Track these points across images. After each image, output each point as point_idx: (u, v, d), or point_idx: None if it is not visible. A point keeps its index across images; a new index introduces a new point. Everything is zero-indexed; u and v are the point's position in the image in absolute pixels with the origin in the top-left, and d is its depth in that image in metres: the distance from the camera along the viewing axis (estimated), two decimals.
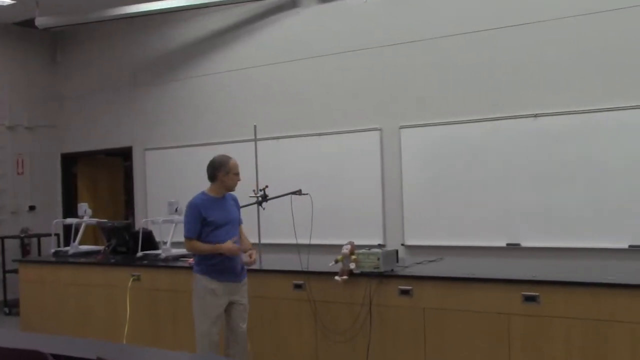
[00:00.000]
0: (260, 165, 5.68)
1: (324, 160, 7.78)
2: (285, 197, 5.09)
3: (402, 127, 7.29)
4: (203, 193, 4.59)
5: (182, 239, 4.50)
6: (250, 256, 4.56)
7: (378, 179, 7.45)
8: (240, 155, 7.87)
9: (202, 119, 8.88)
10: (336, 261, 4.65)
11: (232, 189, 4.58)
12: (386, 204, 7.46)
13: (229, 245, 4.44)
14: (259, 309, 4.98)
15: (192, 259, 5.44)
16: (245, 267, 4.64)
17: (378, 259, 4.48)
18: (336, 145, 7.72)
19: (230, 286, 4.51)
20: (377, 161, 7.45)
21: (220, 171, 4.51)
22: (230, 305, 4.53)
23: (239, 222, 4.70)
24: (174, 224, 6.08)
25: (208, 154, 4.89)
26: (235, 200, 4.74)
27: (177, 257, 5.91)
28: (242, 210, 4.87)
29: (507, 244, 6.67)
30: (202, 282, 4.49)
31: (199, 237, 4.45)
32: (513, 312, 4.03)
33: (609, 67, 6.14)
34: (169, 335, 5.54)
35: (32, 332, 5.90)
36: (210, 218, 4.47)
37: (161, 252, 5.91)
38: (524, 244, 6.58)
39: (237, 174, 4.55)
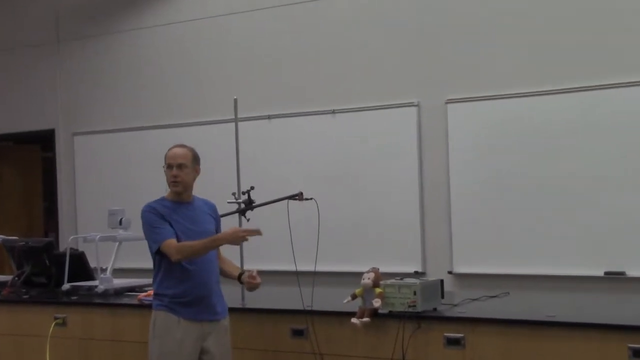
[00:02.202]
0: (243, 158, 5.70)
1: (337, 150, 7.83)
2: (280, 203, 5.10)
3: (449, 102, 7.35)
4: (161, 199, 4.65)
5: (129, 263, 4.54)
6: (252, 277, 4.64)
7: (415, 177, 7.49)
8: (214, 143, 7.89)
9: (157, 89, 8.95)
10: (353, 296, 4.64)
11: (171, 188, 4.63)
12: (426, 215, 7.49)
13: (230, 230, 4.52)
14: None
15: (148, 293, 5.49)
16: (225, 303, 4.68)
17: (414, 293, 4.48)
18: (355, 128, 7.77)
19: (202, 327, 4.54)
20: (414, 151, 7.50)
21: (164, 167, 4.65)
22: (201, 356, 4.56)
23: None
24: (117, 243, 6.09)
25: (166, 141, 4.92)
26: (211, 208, 4.77)
27: (122, 291, 5.92)
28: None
29: (606, 273, 6.72)
30: (162, 322, 4.53)
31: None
32: None
33: None
34: None
35: None
36: (175, 229, 4.51)
37: (98, 284, 5.94)
38: (631, 272, 6.63)
39: (168, 165, 4.61)
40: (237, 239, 4.54)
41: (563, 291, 6.65)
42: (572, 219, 6.85)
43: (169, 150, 4.65)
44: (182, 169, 4.58)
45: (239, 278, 4.71)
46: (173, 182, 4.59)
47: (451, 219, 7.32)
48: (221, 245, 4.58)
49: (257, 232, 4.51)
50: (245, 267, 5.42)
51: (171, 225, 4.51)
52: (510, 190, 7.07)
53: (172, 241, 4.48)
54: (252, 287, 4.69)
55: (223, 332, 4.65)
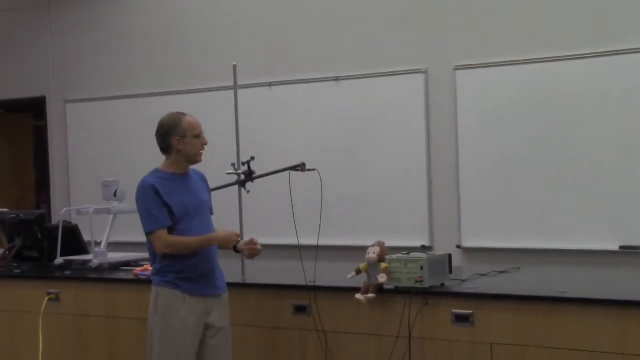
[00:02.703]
0: (243, 127, 5.69)
1: (341, 119, 7.83)
2: (282, 174, 5.09)
3: (458, 68, 7.34)
4: (156, 170, 4.62)
5: (124, 236, 4.54)
6: (252, 243, 4.63)
7: (422, 147, 7.50)
8: (212, 112, 7.89)
9: (153, 55, 8.93)
10: (358, 272, 4.66)
11: (196, 160, 4.60)
12: (434, 187, 7.51)
13: (225, 232, 4.57)
14: (243, 343, 5.02)
15: (144, 267, 5.50)
16: (224, 277, 4.70)
17: (421, 268, 4.49)
18: (360, 96, 7.77)
19: (206, 303, 4.57)
20: (421, 120, 7.50)
21: (173, 136, 4.53)
22: (205, 332, 4.61)
23: (210, 211, 4.76)
24: (111, 216, 6.09)
25: (162, 109, 4.90)
26: (203, 179, 4.77)
27: (117, 265, 5.94)
28: (216, 194, 4.90)
29: (621, 247, 6.75)
30: (166, 299, 4.54)
31: (170, 232, 4.52)
32: (630, 351, 4.03)
33: None
34: None
35: None
36: (174, 204, 4.50)
37: (92, 258, 5.96)
38: None
39: (199, 135, 4.57)
40: (231, 243, 4.58)
41: (576, 266, 6.68)
42: (586, 190, 6.85)
43: (183, 118, 4.58)
44: None
45: (235, 248, 4.67)
46: (202, 152, 4.61)
47: (460, 191, 7.33)
48: (214, 244, 4.58)
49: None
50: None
51: (168, 206, 4.48)
52: (521, 160, 7.07)
53: (164, 234, 4.48)
54: (253, 254, 4.66)
55: (224, 307, 4.69)
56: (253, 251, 4.66)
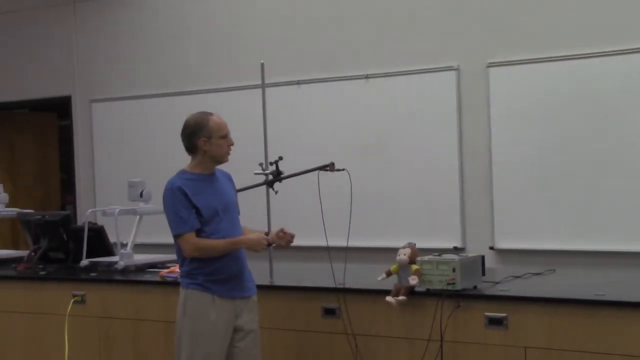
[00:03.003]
0: (271, 126, 5.69)
1: (370, 118, 7.83)
2: (310, 174, 5.10)
3: (491, 65, 7.32)
4: (183, 172, 4.64)
5: (150, 238, 4.55)
6: (282, 232, 4.67)
7: (454, 146, 7.49)
8: (240, 111, 7.92)
9: (180, 54, 8.96)
10: (388, 274, 4.66)
11: (222, 160, 4.62)
12: (466, 187, 7.49)
13: (256, 236, 4.59)
14: (271, 346, 5.03)
15: (171, 269, 5.53)
16: (253, 279, 4.72)
17: (453, 270, 4.48)
18: (390, 94, 7.77)
19: (235, 305, 4.59)
20: (453, 119, 7.49)
21: (199, 137, 4.55)
22: (234, 335, 4.62)
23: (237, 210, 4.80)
24: (137, 217, 6.12)
25: (189, 108, 4.91)
26: (229, 178, 4.78)
27: (143, 267, 5.97)
28: (243, 195, 4.91)
29: None
30: (195, 302, 4.57)
31: (199, 233, 4.56)
32: None
33: None
34: None
35: None
36: (202, 205, 4.52)
37: (118, 260, 5.99)
38: None
39: (225, 136, 4.58)
40: (260, 246, 4.57)
41: (613, 268, 6.63)
42: (624, 189, 6.81)
43: (210, 118, 4.59)
44: None
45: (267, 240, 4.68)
46: (229, 152, 4.64)
47: (493, 191, 7.31)
48: (242, 248, 4.60)
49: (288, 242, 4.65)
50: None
51: (196, 208, 4.51)
52: (556, 159, 7.04)
53: (192, 236, 4.51)
54: (285, 242, 4.68)
55: (253, 309, 4.70)
56: (285, 239, 4.68)
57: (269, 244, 4.69)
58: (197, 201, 4.50)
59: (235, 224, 4.67)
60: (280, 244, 4.70)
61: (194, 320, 4.55)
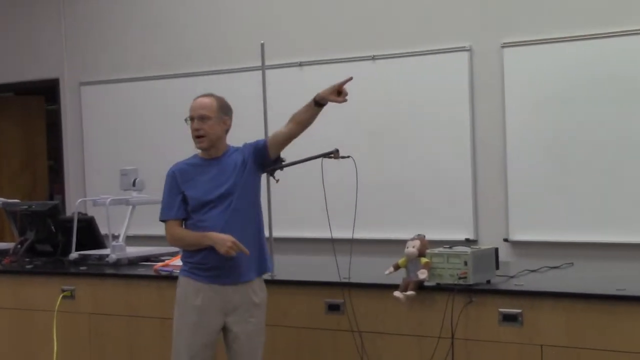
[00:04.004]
0: (271, 110, 5.70)
1: (377, 102, 7.83)
2: (313, 162, 5.10)
3: (505, 46, 7.33)
4: (194, 156, 4.77)
5: (144, 229, 4.60)
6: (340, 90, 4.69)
7: (466, 131, 7.50)
8: (238, 94, 7.91)
9: (174, 34, 8.97)
10: (396, 267, 4.67)
11: (196, 146, 4.67)
12: (479, 174, 7.51)
13: (222, 236, 4.51)
14: (271, 344, 5.00)
15: (165, 262, 5.57)
16: (265, 261, 4.75)
17: (465, 263, 4.48)
18: (398, 77, 7.77)
19: (224, 293, 4.58)
20: (465, 102, 7.49)
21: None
22: (227, 333, 4.63)
23: (264, 142, 4.72)
24: (130, 207, 6.14)
25: (185, 92, 4.93)
26: (241, 152, 4.72)
27: (136, 260, 5.99)
28: None
29: None
30: (182, 288, 4.64)
31: (185, 222, 4.63)
32: None
33: None
34: None
35: None
36: (190, 194, 4.59)
37: (110, 253, 6.00)
38: None
39: (189, 118, 4.63)
40: (223, 246, 4.47)
41: (636, 261, 6.63)
42: None
43: (193, 100, 4.68)
44: (205, 121, 4.58)
45: (318, 103, 4.76)
46: (196, 137, 4.62)
47: (507, 179, 7.32)
48: (209, 244, 4.52)
49: (244, 251, 4.53)
50: (275, 235, 5.46)
51: (183, 197, 4.59)
52: (575, 146, 7.04)
53: (173, 225, 4.63)
54: (342, 94, 4.77)
55: (252, 306, 4.66)
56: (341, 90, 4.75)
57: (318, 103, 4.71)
58: (186, 188, 4.60)
59: (228, 214, 4.59)
60: (340, 98, 4.82)
61: (179, 307, 4.63)
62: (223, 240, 4.48)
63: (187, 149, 4.83)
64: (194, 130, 4.61)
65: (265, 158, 4.71)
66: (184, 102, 4.73)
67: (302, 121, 4.73)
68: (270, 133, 4.92)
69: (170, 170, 4.69)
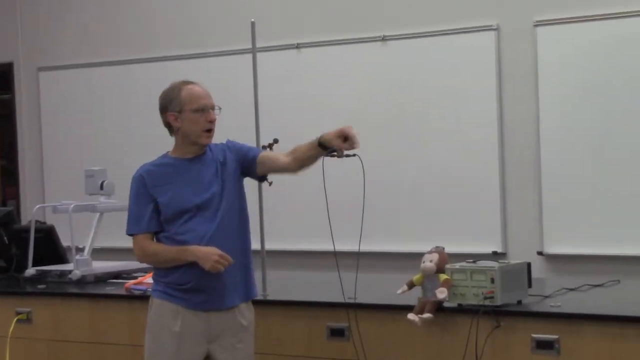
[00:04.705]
0: (263, 100, 5.70)
1: (387, 91, 7.86)
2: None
3: (538, 24, 7.34)
4: (163, 155, 4.67)
5: (113, 241, 4.58)
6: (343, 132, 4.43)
7: (493, 124, 7.51)
8: (225, 81, 7.92)
9: (147, 11, 8.99)
10: (410, 285, 4.66)
11: (198, 141, 4.59)
12: (508, 176, 7.52)
13: (205, 249, 4.48)
14: None
15: (138, 280, 5.56)
16: (250, 286, 4.73)
17: (492, 280, 4.48)
18: (413, 60, 7.78)
19: (208, 319, 4.57)
20: (491, 90, 7.50)
21: (169, 112, 4.57)
22: None
23: (255, 158, 4.65)
24: (97, 214, 6.14)
25: (160, 79, 4.92)
26: (222, 150, 4.69)
27: (104, 277, 5.98)
28: None
29: None
30: (156, 311, 4.60)
31: (157, 235, 4.59)
32: None
33: None
34: None
35: None
36: (164, 201, 4.54)
37: (73, 268, 5.99)
38: None
39: (201, 109, 4.55)
40: (209, 261, 4.43)
41: None
42: None
43: (183, 88, 4.60)
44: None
45: (322, 145, 4.47)
46: (209, 130, 4.56)
47: (541, 181, 7.33)
48: (191, 260, 4.48)
49: (231, 262, 4.48)
50: (268, 247, 5.46)
51: (155, 205, 4.54)
52: (620, 143, 7.06)
53: (143, 239, 4.57)
54: (351, 145, 4.44)
55: (239, 330, 4.65)
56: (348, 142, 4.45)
57: (325, 148, 4.49)
58: (159, 194, 4.51)
59: (214, 223, 4.56)
60: (344, 147, 4.46)
61: (153, 334, 4.59)
62: (207, 254, 4.44)
63: (165, 145, 4.78)
64: (209, 122, 4.56)
65: (250, 173, 4.70)
66: (160, 91, 4.70)
67: (302, 160, 4.61)
68: (260, 136, 4.90)
69: (136, 173, 4.60)
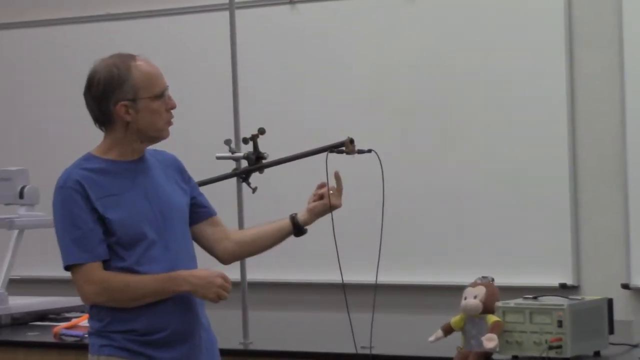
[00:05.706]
0: (245, 75, 5.72)
1: (414, 64, 7.88)
2: (312, 159, 5.11)
3: None
4: (88, 157, 4.59)
5: (38, 268, 4.54)
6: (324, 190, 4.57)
7: (561, 115, 7.53)
8: (194, 49, 7.98)
9: None
10: (447, 330, 4.69)
11: (159, 135, 4.55)
12: (581, 186, 7.55)
13: (204, 273, 4.44)
14: None
15: (72, 322, 5.55)
16: (214, 337, 4.71)
17: (559, 323, 4.52)
18: (448, 24, 7.82)
19: None
20: (560, 64, 7.53)
21: (116, 100, 4.50)
22: None
23: (207, 213, 4.71)
24: (15, 232, 6.18)
25: (105, 46, 4.93)
26: (174, 165, 4.72)
27: (26, 318, 6.02)
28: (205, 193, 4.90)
29: None
30: None
31: (107, 265, 4.50)
32: None
33: None
34: None
35: None
36: (116, 217, 4.47)
37: None
38: None
39: (161, 95, 4.53)
40: (212, 287, 4.42)
41: None
42: None
43: (132, 64, 4.55)
44: None
45: (295, 224, 4.66)
46: (170, 120, 4.56)
47: (628, 194, 7.33)
48: (183, 291, 4.44)
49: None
50: (250, 278, 5.47)
51: (105, 221, 4.47)
52: None
53: (93, 270, 4.41)
54: (335, 202, 4.58)
55: None
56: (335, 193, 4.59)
57: (298, 228, 4.63)
58: (107, 210, 4.45)
59: (183, 248, 4.58)
60: (317, 208, 4.64)
61: None
62: (207, 278, 4.41)
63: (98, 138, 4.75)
64: (171, 107, 4.55)
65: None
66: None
67: (257, 245, 4.80)
68: (240, 125, 4.92)
69: (66, 182, 4.43)
